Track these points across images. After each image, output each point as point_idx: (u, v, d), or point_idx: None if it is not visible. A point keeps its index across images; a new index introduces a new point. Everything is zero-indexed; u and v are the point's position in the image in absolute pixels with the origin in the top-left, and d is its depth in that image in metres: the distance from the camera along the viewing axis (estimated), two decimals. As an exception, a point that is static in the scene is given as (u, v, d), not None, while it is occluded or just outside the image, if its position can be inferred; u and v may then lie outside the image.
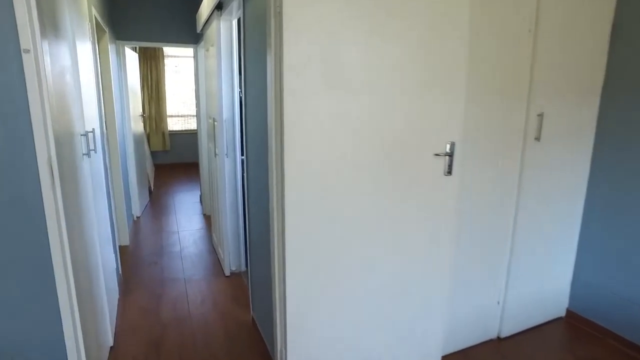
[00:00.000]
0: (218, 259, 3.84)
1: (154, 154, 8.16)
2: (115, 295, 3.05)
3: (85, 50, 2.43)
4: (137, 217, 5.05)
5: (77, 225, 1.82)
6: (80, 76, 2.12)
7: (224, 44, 3.05)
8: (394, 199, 1.90)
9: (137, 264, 3.72)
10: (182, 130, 8.42)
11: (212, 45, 3.29)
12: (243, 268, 3.59)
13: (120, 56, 4.65)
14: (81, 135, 2.06)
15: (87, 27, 2.65)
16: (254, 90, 2.24)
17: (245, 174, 2.70)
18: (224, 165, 3.21)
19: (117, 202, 4.03)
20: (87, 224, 2.08)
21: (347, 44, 1.65)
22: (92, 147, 2.23)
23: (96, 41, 3.03)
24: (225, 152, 3.17)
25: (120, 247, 4.11)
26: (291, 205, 1.71)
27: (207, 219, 5.03)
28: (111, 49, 4.15)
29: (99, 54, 3.75)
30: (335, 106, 1.68)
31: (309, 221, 1.75)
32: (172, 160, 8.40)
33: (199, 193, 6.05)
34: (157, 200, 5.84)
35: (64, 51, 1.84)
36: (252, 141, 2.40)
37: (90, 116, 2.34)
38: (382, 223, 1.90)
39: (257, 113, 2.20)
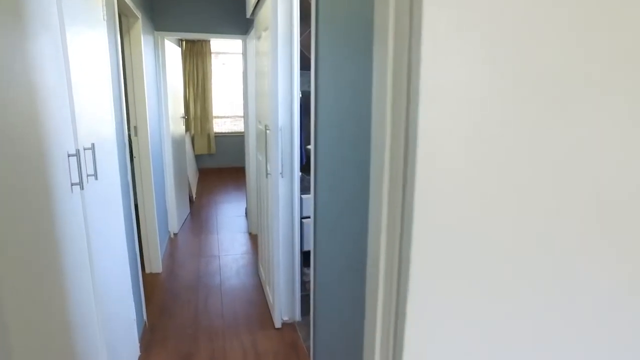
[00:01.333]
0: (265, 300, 3.08)
1: (198, 157, 7.60)
2: (135, 353, 2.34)
3: (90, 39, 1.72)
4: (175, 235, 4.40)
5: (47, 303, 1.09)
6: (72, 74, 1.40)
7: (282, 26, 2.27)
8: (616, 300, 1.02)
9: (168, 301, 3.02)
10: (228, 133, 7.81)
11: (265, 30, 2.52)
12: (297, 318, 2.80)
13: (159, 49, 4.00)
14: (69, 155, 1.34)
15: (100, 9, 1.94)
16: (336, 89, 1.43)
17: (312, 202, 1.90)
18: (278, 187, 2.43)
19: (148, 224, 3.37)
20: (73, 285, 1.35)
21: (551, 10, 0.80)
22: (89, 171, 1.50)
23: (118, 27, 2.33)
24: (280, 171, 2.39)
25: (150, 274, 3.45)
26: (420, 299, 0.87)
27: (253, 239, 4.31)
28: (147, 40, 3.49)
29: (130, 45, 3.09)
30: (520, 128, 0.83)
31: (453, 322, 0.91)
32: (217, 165, 7.81)
33: (245, 206, 5.36)
34: (198, 213, 5.20)
35: (31, 40, 1.11)
36: (327, 163, 1.60)
37: (91, 126, 1.62)
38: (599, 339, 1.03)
39: (343, 124, 1.39)
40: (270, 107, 2.33)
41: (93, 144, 1.48)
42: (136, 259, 2.58)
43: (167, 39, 4.15)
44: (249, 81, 4.16)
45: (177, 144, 4.62)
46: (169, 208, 4.29)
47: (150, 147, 3.27)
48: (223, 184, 6.81)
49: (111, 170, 1.95)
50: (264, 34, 2.57)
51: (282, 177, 2.42)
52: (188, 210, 5.15)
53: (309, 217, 2.86)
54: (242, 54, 4.38)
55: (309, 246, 2.95)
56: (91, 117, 1.60)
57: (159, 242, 3.48)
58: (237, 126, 7.86)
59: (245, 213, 5.07)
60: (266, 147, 2.41)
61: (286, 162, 2.41)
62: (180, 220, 4.65)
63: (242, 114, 7.75)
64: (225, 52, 7.59)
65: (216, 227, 4.67)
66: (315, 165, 1.74)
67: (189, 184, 5.59)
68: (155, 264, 3.49)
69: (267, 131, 2.38)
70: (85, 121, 1.51)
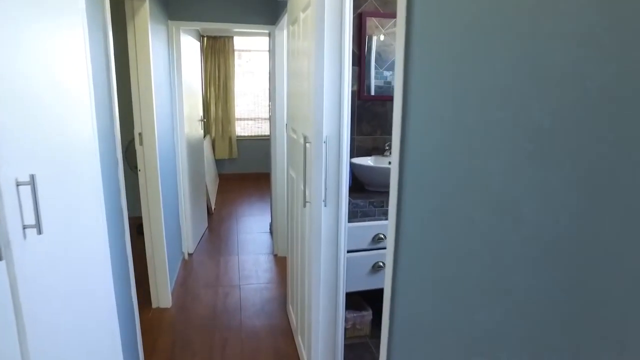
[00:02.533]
0: (296, 351, 2.47)
1: (218, 162, 7.06)
2: None
3: (43, 15, 1.13)
4: (189, 255, 3.84)
5: None
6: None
7: (330, 2, 1.65)
8: None
9: (176, 351, 2.44)
10: (251, 136, 7.24)
11: (304, 10, 1.91)
12: (339, 382, 2.18)
13: (173, 42, 3.44)
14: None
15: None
16: (461, 84, 0.80)
17: (390, 233, 1.27)
18: (321, 219, 1.81)
19: (155, 249, 2.80)
20: None
21: None
22: (28, 220, 0.91)
23: (107, 5, 1.75)
24: (323, 198, 1.77)
25: (157, 310, 2.88)
26: None
27: (279, 262, 3.70)
28: (157, 30, 2.93)
29: (135, 35, 2.53)
30: None
31: None
32: (239, 170, 7.25)
33: (269, 220, 4.76)
34: (217, 228, 4.63)
35: None
36: (430, 190, 0.97)
37: (37, 145, 1.02)
38: None
39: (483, 143, 0.76)
40: (312, 113, 1.71)
41: (33, 176, 0.89)
42: (132, 307, 2.00)
43: (183, 31, 3.59)
44: (277, 80, 3.56)
45: (194, 149, 4.06)
46: (183, 224, 3.73)
47: (158, 156, 2.70)
48: (245, 192, 6.25)
49: (88, 200, 1.36)
50: (302, 15, 1.95)
51: (326, 205, 1.80)
52: (206, 225, 4.58)
53: (354, 252, 2.26)
54: (269, 51, 3.80)
55: (354, 286, 2.34)
56: (36, 131, 1.01)
57: (168, 270, 2.90)
58: (262, 129, 7.29)
59: (270, 229, 4.47)
60: (305, 165, 1.79)
61: (331, 184, 1.79)
62: (196, 237, 4.09)
63: (266, 116, 7.19)
64: (249, 49, 7.03)
65: (237, 246, 4.08)
66: (400, 187, 1.10)
67: (207, 194, 5.04)
68: (164, 297, 2.91)
69: (307, 144, 1.76)
70: (21, 140, 0.92)
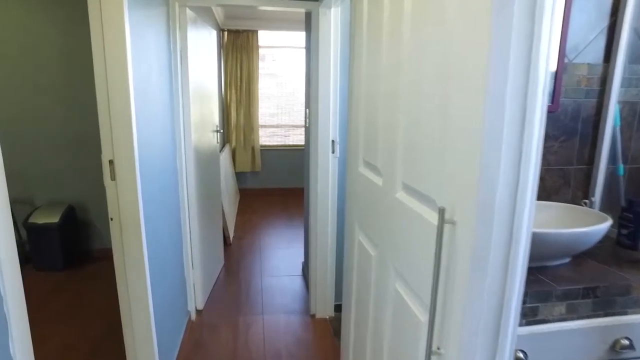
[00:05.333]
0: None
1: (239, 175, 6.11)
2: None
3: None
4: (198, 313, 2.86)
5: None
6: None
7: None
8: None
9: None
10: (277, 146, 6.25)
11: None
12: None
13: (176, 27, 2.48)
14: None
15: None
16: None
17: None
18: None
19: (137, 340, 1.82)
20: None
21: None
22: None
23: None
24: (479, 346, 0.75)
25: None
26: None
27: (319, 330, 2.69)
28: (145, 5, 1.97)
29: (101, 13, 1.56)
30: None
31: None
32: (263, 185, 6.27)
33: (302, 259, 3.76)
34: (235, 267, 3.65)
35: None
36: None
37: None
38: None
39: None
40: (466, 161, 0.70)
41: None
42: None
43: (192, 12, 2.63)
44: (321, 81, 2.56)
45: (206, 164, 3.10)
46: (189, 272, 2.76)
47: (140, 192, 1.72)
48: (270, 212, 5.27)
49: None
50: None
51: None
52: (221, 264, 3.60)
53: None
54: (306, 46, 2.81)
55: None
56: None
57: (157, 356, 1.92)
58: (289, 138, 6.29)
59: (303, 272, 3.47)
60: (436, 274, 0.76)
61: (487, 311, 0.77)
62: (208, 284, 3.11)
63: (294, 123, 6.20)
64: (276, 45, 6.05)
65: (261, 299, 3.08)
66: None
67: (225, 219, 4.07)
68: (153, 404, 1.93)
69: (446, 226, 0.74)
70: None
